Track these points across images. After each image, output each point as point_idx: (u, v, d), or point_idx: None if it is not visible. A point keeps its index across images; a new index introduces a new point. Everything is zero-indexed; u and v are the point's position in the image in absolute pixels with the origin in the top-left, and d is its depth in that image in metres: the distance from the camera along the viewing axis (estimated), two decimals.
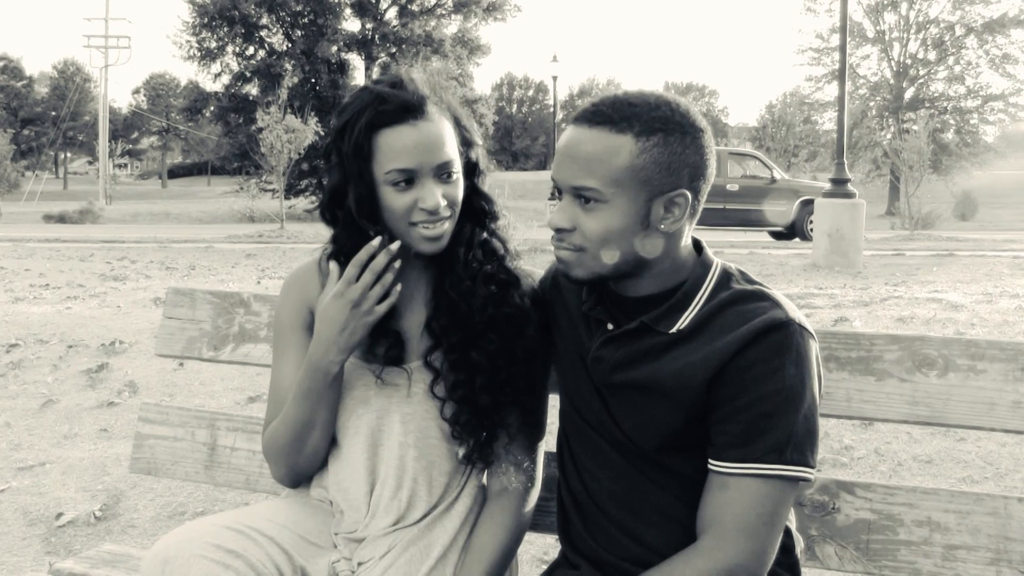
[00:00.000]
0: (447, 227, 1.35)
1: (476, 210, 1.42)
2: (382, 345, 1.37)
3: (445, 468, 1.41)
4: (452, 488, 1.43)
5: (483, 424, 1.37)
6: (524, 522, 1.44)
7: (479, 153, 1.42)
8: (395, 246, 1.31)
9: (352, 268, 1.29)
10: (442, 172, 1.33)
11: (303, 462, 1.43)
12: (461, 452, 1.39)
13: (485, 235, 1.42)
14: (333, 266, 1.35)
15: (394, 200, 1.31)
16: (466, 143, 1.40)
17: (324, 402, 1.37)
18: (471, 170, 1.41)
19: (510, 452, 1.42)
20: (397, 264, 1.31)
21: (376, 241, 1.30)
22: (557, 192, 1.26)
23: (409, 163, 1.30)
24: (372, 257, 1.29)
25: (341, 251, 1.36)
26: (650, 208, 1.20)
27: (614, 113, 1.20)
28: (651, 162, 1.18)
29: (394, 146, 1.29)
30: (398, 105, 1.30)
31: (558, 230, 1.24)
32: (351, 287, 1.29)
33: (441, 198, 1.32)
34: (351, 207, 1.33)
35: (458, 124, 1.39)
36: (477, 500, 1.45)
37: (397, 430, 1.39)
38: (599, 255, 1.22)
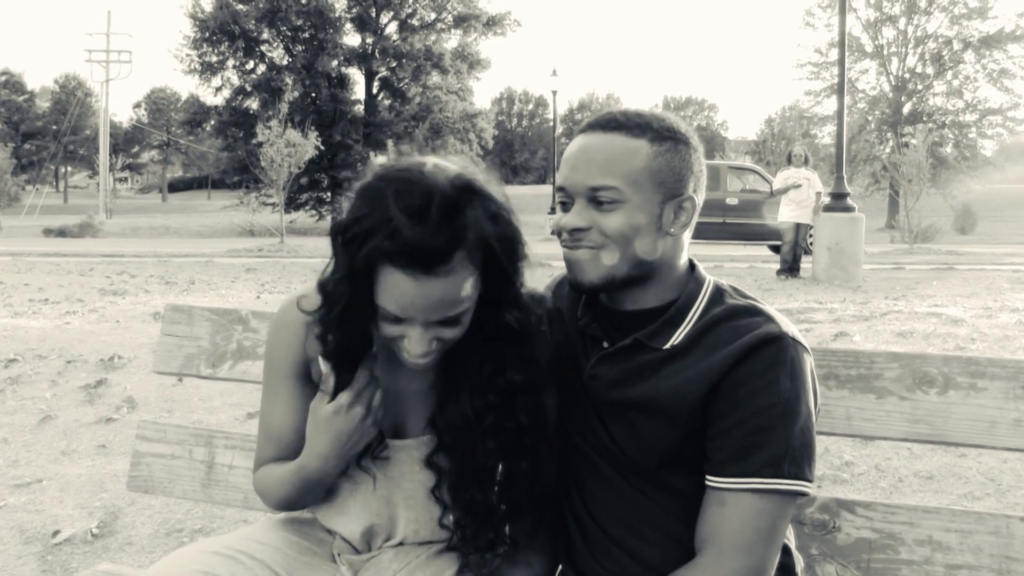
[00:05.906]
0: (434, 358, 1.24)
1: (502, 326, 1.26)
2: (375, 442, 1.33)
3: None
4: None
5: (489, 531, 1.32)
6: None
7: (521, 280, 1.26)
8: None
9: (362, 377, 1.25)
10: (439, 322, 1.19)
11: (303, 505, 1.43)
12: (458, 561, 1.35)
13: (513, 351, 1.28)
14: (326, 368, 1.26)
15: (382, 325, 1.21)
16: (504, 281, 1.22)
17: (322, 490, 1.36)
18: (511, 300, 1.25)
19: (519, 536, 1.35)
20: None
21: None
22: (562, 204, 1.27)
23: (399, 313, 1.16)
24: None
25: (339, 325, 1.24)
26: (663, 210, 1.23)
27: (627, 121, 1.24)
28: (665, 165, 1.22)
29: (389, 289, 1.14)
30: (412, 254, 1.11)
31: (575, 230, 1.24)
32: (360, 396, 1.24)
33: (430, 343, 1.20)
34: (351, 314, 1.20)
35: (494, 263, 1.19)
36: None
37: (403, 493, 1.35)
38: (616, 252, 1.22)
